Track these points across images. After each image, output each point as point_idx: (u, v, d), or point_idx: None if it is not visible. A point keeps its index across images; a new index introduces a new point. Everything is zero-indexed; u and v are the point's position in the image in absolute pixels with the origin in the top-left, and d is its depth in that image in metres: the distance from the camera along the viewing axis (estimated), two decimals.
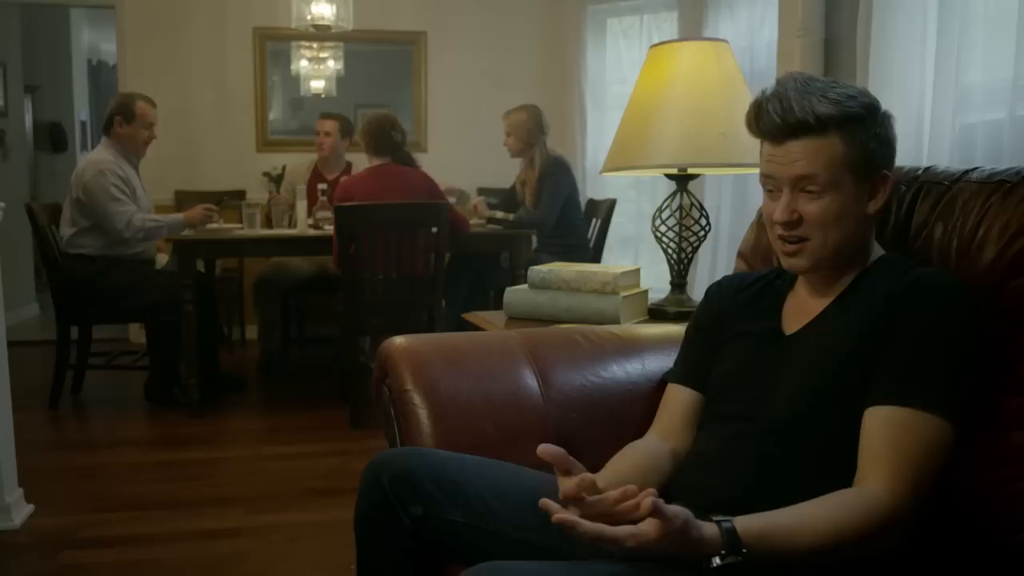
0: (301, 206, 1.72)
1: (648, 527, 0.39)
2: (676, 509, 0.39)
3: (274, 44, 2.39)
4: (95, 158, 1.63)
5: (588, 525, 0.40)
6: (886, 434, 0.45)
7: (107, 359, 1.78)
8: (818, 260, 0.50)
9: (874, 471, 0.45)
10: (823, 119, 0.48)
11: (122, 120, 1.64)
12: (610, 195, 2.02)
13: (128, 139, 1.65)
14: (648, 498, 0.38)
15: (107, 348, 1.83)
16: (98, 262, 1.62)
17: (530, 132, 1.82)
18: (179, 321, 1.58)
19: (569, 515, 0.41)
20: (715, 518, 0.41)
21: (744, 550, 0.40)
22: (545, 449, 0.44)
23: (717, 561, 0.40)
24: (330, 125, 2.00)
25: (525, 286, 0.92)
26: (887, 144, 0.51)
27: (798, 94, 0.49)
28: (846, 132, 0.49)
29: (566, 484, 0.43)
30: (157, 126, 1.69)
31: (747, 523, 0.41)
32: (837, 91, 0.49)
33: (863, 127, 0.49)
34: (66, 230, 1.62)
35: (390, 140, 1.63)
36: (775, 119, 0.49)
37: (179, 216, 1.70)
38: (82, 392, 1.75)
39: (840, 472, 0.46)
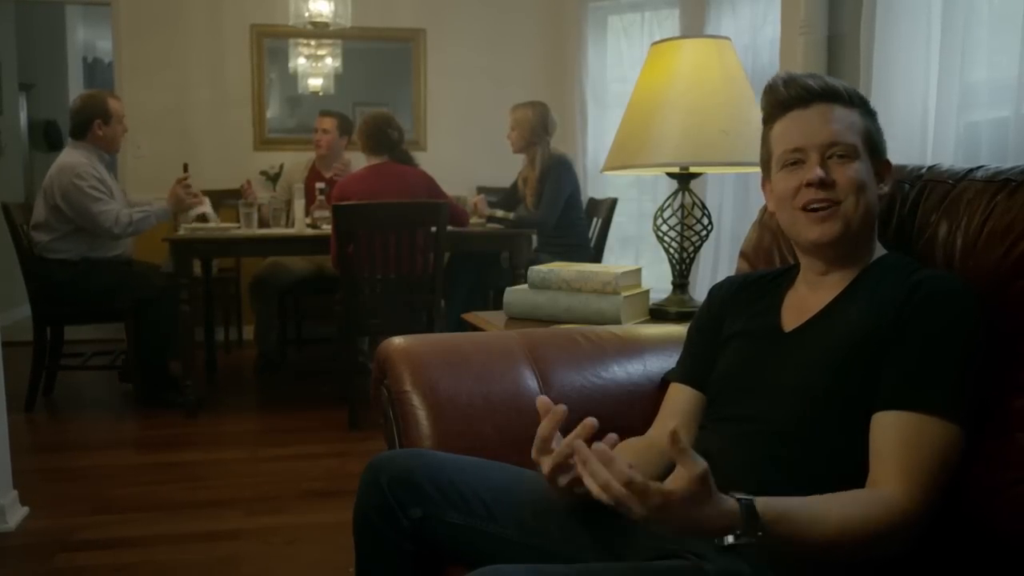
0: (299, 205, 1.71)
1: (673, 482, 0.37)
2: (697, 457, 0.37)
3: (272, 41, 2.38)
4: (68, 163, 1.58)
5: (621, 464, 0.37)
6: (898, 439, 0.45)
7: (82, 360, 1.76)
8: (847, 226, 0.50)
9: (886, 476, 0.44)
10: (848, 92, 0.51)
11: (101, 122, 1.62)
12: (611, 194, 2.02)
13: (107, 140, 1.64)
14: (674, 431, 0.36)
15: (97, 348, 1.82)
16: (80, 265, 1.60)
17: (534, 130, 1.81)
18: (167, 321, 1.57)
19: (603, 450, 0.38)
20: (736, 495, 0.39)
21: (760, 532, 0.39)
22: (543, 401, 0.45)
23: (730, 539, 0.38)
24: (328, 123, 1.99)
25: (525, 286, 0.91)
26: (882, 133, 0.53)
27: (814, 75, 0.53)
28: (865, 110, 0.52)
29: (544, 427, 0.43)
30: (126, 117, 1.67)
31: (767, 504, 0.40)
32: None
33: (870, 111, 0.53)
34: (41, 236, 1.59)
35: (387, 139, 1.62)
36: (807, 82, 0.51)
37: (164, 204, 1.68)
38: (53, 393, 1.72)
39: (842, 471, 0.46)
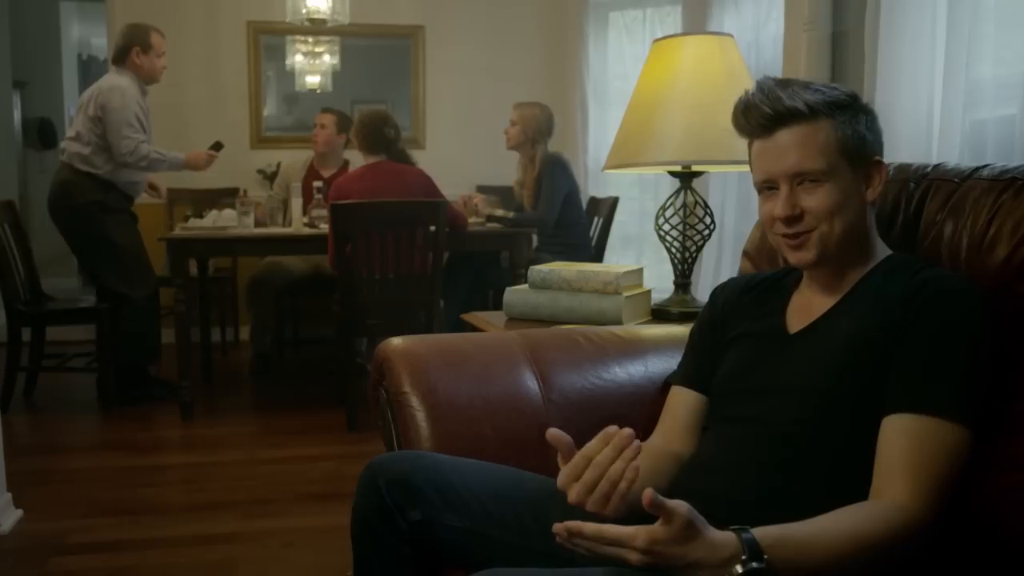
0: (296, 204, 1.70)
1: (657, 524, 0.38)
2: (676, 501, 0.38)
3: (269, 38, 2.36)
4: (119, 84, 1.62)
5: (591, 527, 0.39)
6: (905, 444, 0.44)
7: (60, 360, 1.75)
8: (824, 250, 0.50)
9: (893, 481, 0.44)
10: (812, 105, 0.49)
11: (139, 50, 1.65)
12: (612, 193, 2.00)
13: (144, 69, 1.67)
14: (648, 490, 0.38)
15: (77, 350, 1.80)
16: (111, 196, 1.62)
17: (538, 129, 1.81)
18: (145, 321, 1.61)
19: (571, 524, 0.40)
20: (732, 528, 0.40)
21: (765, 556, 0.38)
22: (553, 433, 0.44)
23: (739, 568, 0.38)
24: (327, 119, 1.97)
25: (525, 286, 0.90)
26: (875, 131, 0.51)
27: (781, 88, 0.50)
28: (836, 118, 0.49)
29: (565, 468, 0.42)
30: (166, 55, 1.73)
31: (764, 531, 0.40)
32: (817, 84, 0.51)
33: (851, 112, 0.50)
34: (75, 146, 1.62)
35: (383, 137, 1.61)
36: (764, 109, 0.49)
37: (181, 156, 1.72)
38: (33, 395, 1.71)
39: (847, 474, 0.46)
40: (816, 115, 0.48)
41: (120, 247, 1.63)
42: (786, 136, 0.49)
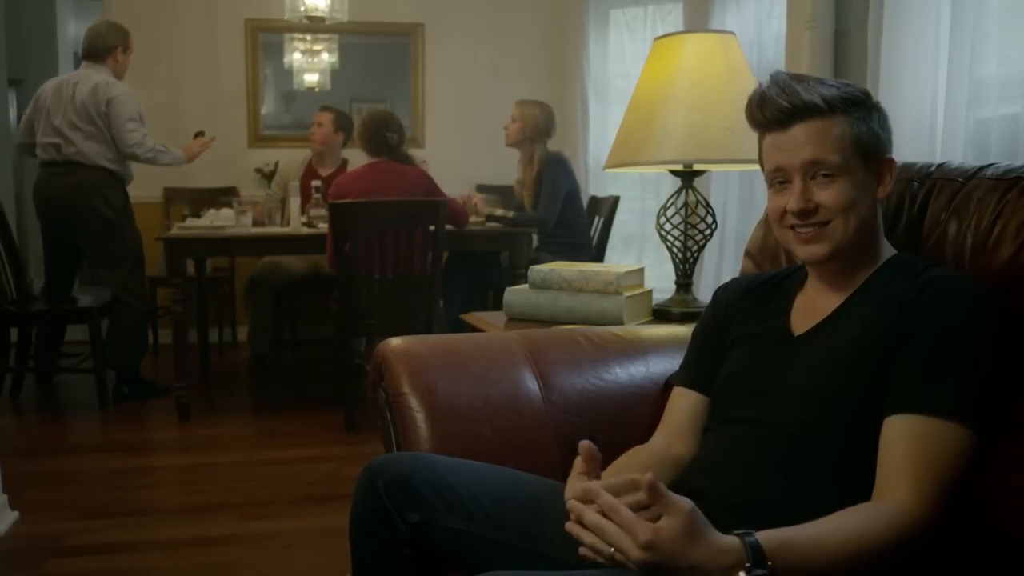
0: (295, 203, 1.69)
1: (660, 521, 0.37)
2: (680, 497, 0.38)
3: (267, 36, 2.35)
4: (111, 80, 1.65)
5: (607, 498, 0.38)
6: (908, 445, 0.44)
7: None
8: (838, 246, 0.49)
9: (896, 483, 0.43)
10: (828, 100, 0.49)
11: (121, 51, 1.69)
12: (613, 192, 2.00)
13: (120, 68, 1.70)
14: (648, 475, 0.37)
15: (65, 350, 1.79)
16: (127, 199, 1.65)
17: (538, 128, 1.81)
18: (134, 328, 1.65)
19: (588, 486, 0.39)
20: (736, 532, 0.39)
21: (769, 562, 0.38)
22: (586, 445, 0.43)
23: (742, 575, 0.38)
24: (324, 117, 1.96)
25: (525, 286, 0.90)
26: (887, 129, 0.51)
27: (797, 82, 0.50)
28: (851, 114, 0.49)
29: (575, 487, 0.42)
30: None
31: (767, 536, 0.39)
32: (831, 81, 0.50)
33: (864, 109, 0.50)
34: (94, 146, 1.61)
35: (384, 142, 1.60)
36: (781, 103, 0.49)
37: (181, 153, 1.75)
38: (20, 396, 1.70)
39: (851, 476, 0.45)
40: (832, 110, 0.48)
41: (137, 258, 1.66)
42: (802, 130, 0.48)
